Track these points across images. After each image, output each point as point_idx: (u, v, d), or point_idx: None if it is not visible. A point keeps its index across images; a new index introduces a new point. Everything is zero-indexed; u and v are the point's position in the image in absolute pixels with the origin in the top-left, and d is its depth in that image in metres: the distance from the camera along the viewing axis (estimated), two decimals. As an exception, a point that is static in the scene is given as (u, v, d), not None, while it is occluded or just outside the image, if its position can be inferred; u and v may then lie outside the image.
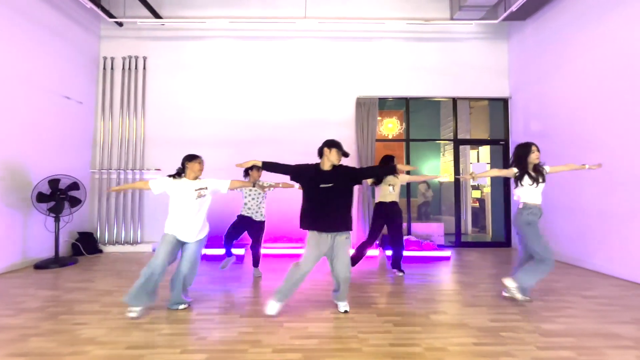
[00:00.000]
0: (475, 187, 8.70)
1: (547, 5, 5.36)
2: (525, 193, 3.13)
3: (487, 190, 7.63)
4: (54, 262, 4.54)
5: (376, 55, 6.32)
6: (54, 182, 4.59)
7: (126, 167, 6.02)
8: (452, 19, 6.22)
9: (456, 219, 6.36)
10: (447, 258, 5.27)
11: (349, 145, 6.22)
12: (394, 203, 4.23)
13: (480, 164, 7.45)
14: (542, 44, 5.52)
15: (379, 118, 8.49)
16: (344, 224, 2.75)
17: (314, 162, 2.90)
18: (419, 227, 6.50)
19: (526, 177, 3.11)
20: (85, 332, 2.49)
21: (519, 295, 3.06)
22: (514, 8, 5.31)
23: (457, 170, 6.43)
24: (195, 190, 2.93)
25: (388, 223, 4.22)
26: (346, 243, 2.78)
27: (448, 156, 9.19)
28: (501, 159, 6.45)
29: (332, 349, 2.22)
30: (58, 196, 4.60)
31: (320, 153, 2.84)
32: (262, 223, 4.11)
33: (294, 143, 6.11)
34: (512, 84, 6.30)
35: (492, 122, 6.91)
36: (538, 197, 3.13)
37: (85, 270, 4.39)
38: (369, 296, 3.32)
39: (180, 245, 2.98)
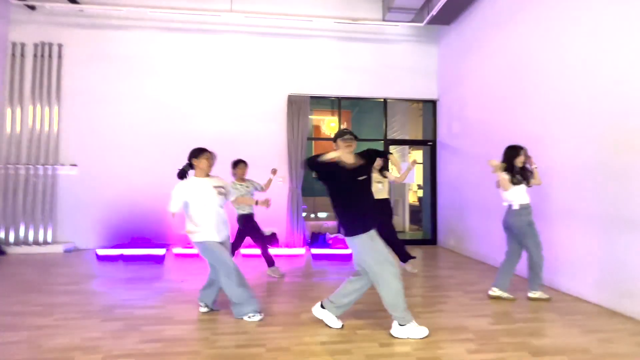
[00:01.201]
0: (420, 187, 8.94)
1: (465, 11, 5.55)
2: (519, 194, 3.19)
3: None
4: None
5: (309, 53, 6.29)
6: None
7: (37, 161, 5.62)
8: (384, 20, 6.30)
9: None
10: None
11: (280, 143, 6.16)
12: (385, 201, 4.20)
13: (404, 163, 7.69)
14: (462, 48, 5.72)
15: (332, 117, 8.55)
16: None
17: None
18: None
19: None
20: None
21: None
22: (434, 12, 5.46)
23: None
24: (214, 187, 2.71)
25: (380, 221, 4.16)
26: None
27: (395, 156, 9.38)
28: (429, 159, 6.66)
29: (171, 352, 2.14)
30: (-62, 193, 4.19)
31: None
32: (251, 217, 3.93)
33: (223, 138, 5.96)
34: (439, 86, 6.49)
35: (425, 123, 7.12)
36: (527, 197, 3.23)
37: (-30, 274, 4.04)
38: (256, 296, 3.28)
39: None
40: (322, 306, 2.57)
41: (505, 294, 3.23)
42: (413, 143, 7.58)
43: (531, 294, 3.23)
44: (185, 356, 2.11)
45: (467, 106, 5.53)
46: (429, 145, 6.66)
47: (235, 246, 3.90)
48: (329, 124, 8.32)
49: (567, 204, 3.52)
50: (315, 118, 9.49)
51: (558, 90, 3.71)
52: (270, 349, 2.21)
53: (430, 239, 6.52)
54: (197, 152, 2.76)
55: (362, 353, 2.16)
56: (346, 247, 5.33)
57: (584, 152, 3.36)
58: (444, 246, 6.22)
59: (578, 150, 3.42)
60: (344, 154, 2.41)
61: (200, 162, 2.71)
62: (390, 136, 8.83)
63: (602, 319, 2.78)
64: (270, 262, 3.97)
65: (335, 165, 2.42)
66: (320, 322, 2.60)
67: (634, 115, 2.89)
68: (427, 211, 6.81)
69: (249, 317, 2.65)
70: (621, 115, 3.00)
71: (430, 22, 5.86)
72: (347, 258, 5.11)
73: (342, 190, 2.48)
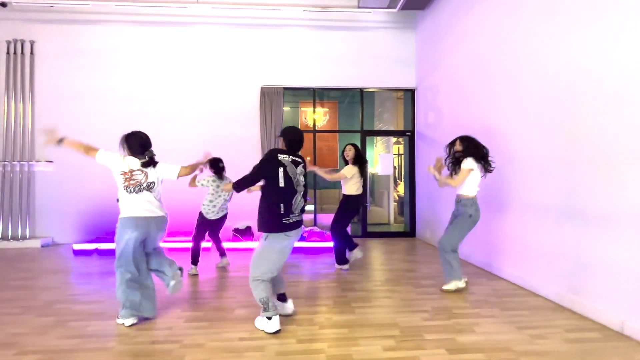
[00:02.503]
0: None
1: (439, -5, 5.32)
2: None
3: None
4: None
5: (281, 43, 6.15)
6: None
7: (13, 158, 5.71)
8: (359, 7, 6.10)
9: (362, 211, 6.39)
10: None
11: (253, 136, 6.09)
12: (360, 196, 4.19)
13: (386, 155, 7.54)
14: (436, 34, 5.50)
15: (319, 109, 8.41)
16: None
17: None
18: (324, 218, 6.52)
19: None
20: None
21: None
22: (405, -3, 5.25)
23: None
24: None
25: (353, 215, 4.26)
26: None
27: (380, 147, 9.22)
28: (408, 150, 6.51)
29: (83, 349, 2.14)
30: None
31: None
32: (223, 218, 3.93)
33: (196, 133, 5.94)
34: (417, 74, 6.29)
35: (405, 113, 6.93)
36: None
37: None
38: (198, 291, 3.27)
39: None
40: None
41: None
42: (390, 134, 7.42)
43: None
44: (95, 352, 2.10)
45: (440, 95, 5.35)
46: (407, 135, 6.50)
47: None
48: (311, 116, 8.20)
49: (522, 195, 3.38)
50: (302, 110, 9.39)
51: (516, 80, 3.53)
52: (185, 345, 2.19)
53: (409, 232, 6.41)
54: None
55: (275, 350, 2.12)
56: (321, 240, 5.25)
57: (538, 142, 3.20)
58: (421, 239, 6.11)
59: (532, 141, 3.26)
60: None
61: None
62: (377, 127, 8.72)
63: (546, 314, 2.67)
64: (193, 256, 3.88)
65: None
66: (242, 319, 2.57)
67: (585, 105, 2.72)
68: (406, 203, 6.69)
69: (119, 317, 2.49)
70: (573, 106, 2.83)
71: (404, 7, 5.66)
72: (322, 251, 5.08)
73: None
